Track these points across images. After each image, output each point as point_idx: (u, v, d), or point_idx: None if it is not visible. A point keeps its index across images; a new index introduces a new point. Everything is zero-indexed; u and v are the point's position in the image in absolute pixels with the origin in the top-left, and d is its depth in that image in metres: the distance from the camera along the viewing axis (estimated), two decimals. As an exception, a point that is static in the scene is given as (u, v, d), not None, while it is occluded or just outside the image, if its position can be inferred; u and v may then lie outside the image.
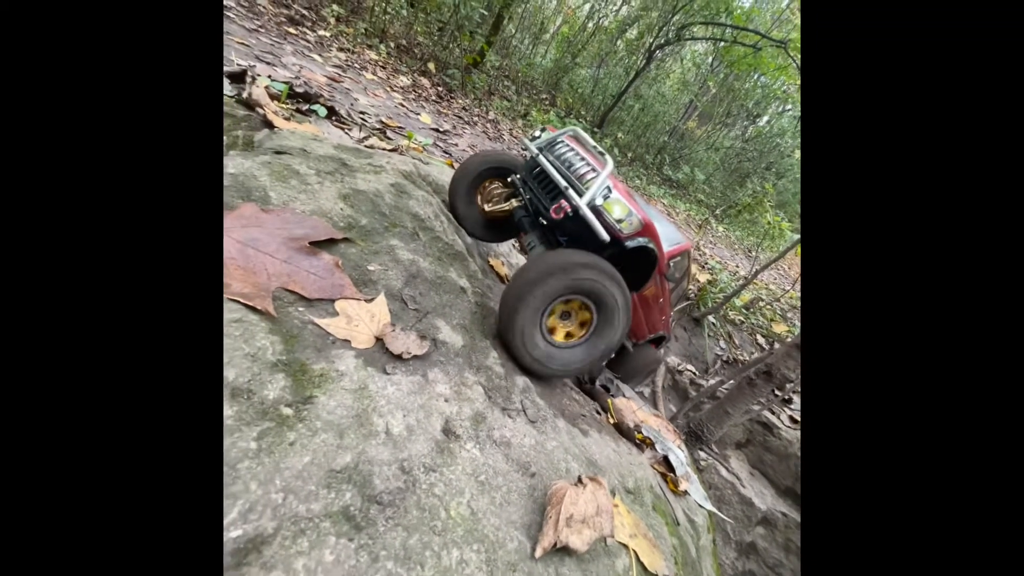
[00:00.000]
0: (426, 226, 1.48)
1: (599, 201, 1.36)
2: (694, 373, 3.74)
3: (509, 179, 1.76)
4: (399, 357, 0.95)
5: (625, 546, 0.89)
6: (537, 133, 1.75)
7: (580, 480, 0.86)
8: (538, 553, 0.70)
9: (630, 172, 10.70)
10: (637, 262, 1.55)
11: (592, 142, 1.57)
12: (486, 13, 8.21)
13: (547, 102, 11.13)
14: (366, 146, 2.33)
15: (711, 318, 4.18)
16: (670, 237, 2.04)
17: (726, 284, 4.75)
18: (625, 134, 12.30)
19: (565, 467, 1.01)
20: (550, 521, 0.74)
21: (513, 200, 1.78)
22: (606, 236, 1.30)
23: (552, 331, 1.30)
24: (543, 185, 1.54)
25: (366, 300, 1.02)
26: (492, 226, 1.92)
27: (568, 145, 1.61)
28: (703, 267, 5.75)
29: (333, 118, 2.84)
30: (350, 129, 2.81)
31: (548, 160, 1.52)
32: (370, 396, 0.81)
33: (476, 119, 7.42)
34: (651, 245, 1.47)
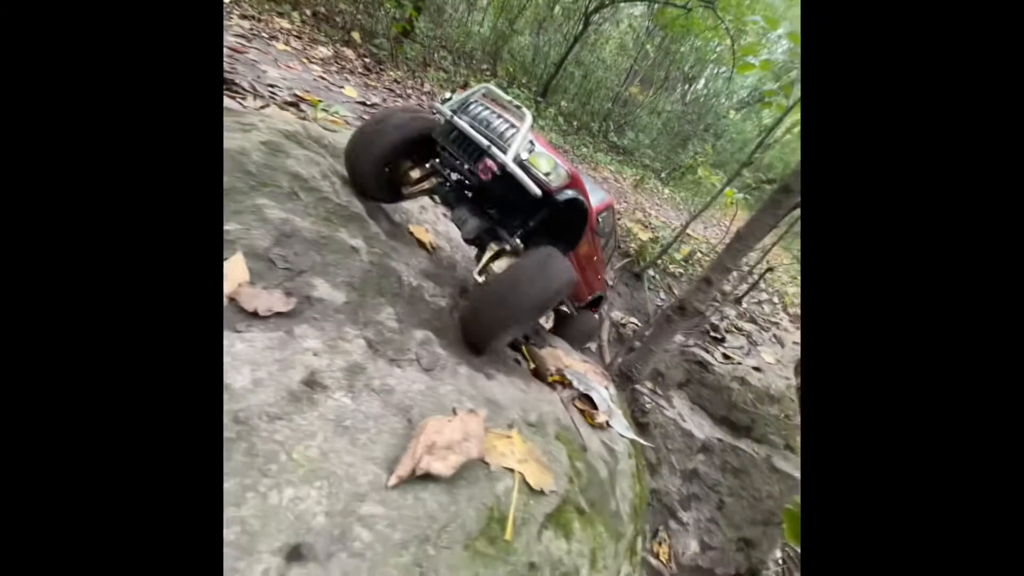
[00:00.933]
0: (310, 186, 1.37)
1: (524, 156, 1.29)
2: (637, 325, 3.93)
3: (428, 164, 1.62)
4: (255, 315, 0.88)
5: (511, 470, 0.91)
6: (448, 95, 1.58)
7: (454, 411, 0.86)
8: (392, 481, 0.69)
9: (577, 141, 10.71)
10: (570, 217, 1.52)
11: (507, 97, 1.46)
12: (407, -25, 7.63)
13: (488, 72, 10.74)
14: (268, 114, 2.11)
15: (651, 271, 4.37)
16: (595, 192, 2.01)
17: (667, 241, 4.97)
18: (569, 102, 12.22)
19: (457, 406, 1.01)
20: (409, 450, 0.73)
21: (432, 178, 1.66)
22: (537, 191, 1.25)
23: None
24: (464, 149, 1.42)
25: (217, 259, 0.93)
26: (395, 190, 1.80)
27: (482, 104, 1.48)
28: (647, 227, 5.96)
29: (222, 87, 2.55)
30: (243, 99, 2.54)
31: (465, 122, 1.40)
32: (209, 354, 0.74)
33: (410, 92, 7.01)
34: (580, 197, 1.43)
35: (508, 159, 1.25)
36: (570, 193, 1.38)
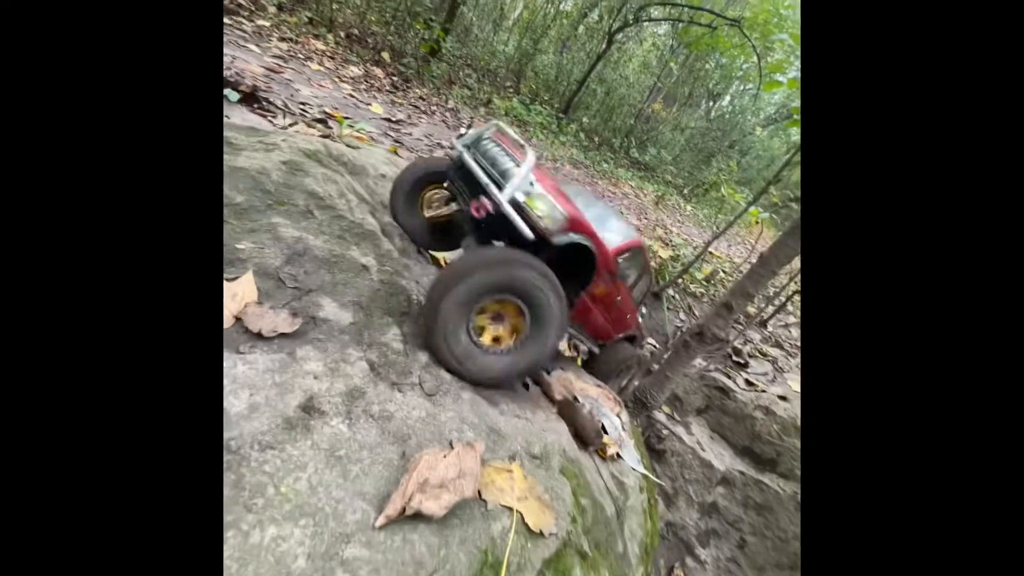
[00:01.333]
0: (326, 204, 1.40)
1: (520, 197, 1.26)
2: (655, 346, 3.80)
3: (445, 184, 1.68)
4: (259, 336, 0.88)
5: (510, 509, 0.86)
6: (463, 131, 1.65)
7: (451, 445, 0.82)
8: (379, 522, 0.65)
9: (598, 156, 10.72)
10: (575, 261, 1.49)
11: (515, 135, 1.48)
12: (437, -2, 7.97)
13: (511, 89, 10.98)
14: (294, 132, 2.20)
15: (670, 291, 4.24)
16: (617, 233, 1.95)
17: (688, 259, 4.83)
18: (591, 118, 12.30)
19: (457, 436, 0.97)
20: (400, 488, 0.70)
21: (453, 204, 1.69)
22: (530, 233, 1.21)
23: (480, 331, 1.23)
24: (467, 184, 1.45)
25: (228, 279, 0.95)
26: (438, 233, 1.84)
27: (493, 140, 1.50)
28: (667, 244, 5.83)
29: (255, 105, 2.69)
30: (274, 116, 2.67)
31: (472, 157, 1.42)
32: (210, 376, 0.74)
33: (434, 108, 7.23)
34: (584, 241, 1.39)
35: (503, 199, 1.22)
36: (570, 237, 1.33)
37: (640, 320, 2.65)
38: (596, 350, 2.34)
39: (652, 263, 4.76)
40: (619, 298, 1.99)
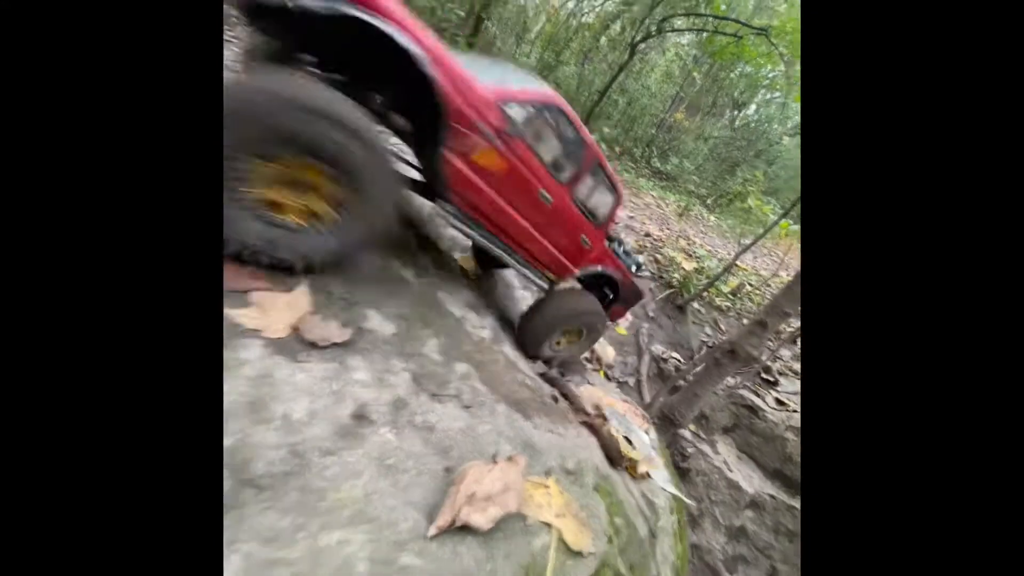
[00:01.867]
0: (368, 219, 1.47)
1: None
2: (679, 361, 3.72)
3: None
4: (314, 345, 0.93)
5: (548, 525, 0.87)
6: None
7: (494, 459, 0.84)
8: (431, 532, 0.68)
9: (619, 166, 10.68)
10: (413, 94, 1.05)
11: None
12: (462, 14, 8.21)
13: (532, 101, 11.12)
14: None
15: (695, 304, 4.15)
16: (517, 82, 1.38)
17: (712, 271, 4.73)
18: (612, 128, 12.30)
19: (495, 449, 0.99)
20: (449, 499, 0.73)
21: None
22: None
23: (280, 208, 0.94)
24: None
25: (284, 291, 1.01)
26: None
27: None
28: (690, 256, 5.73)
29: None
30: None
31: None
32: (273, 383, 0.80)
33: (458, 120, 7.39)
34: (379, 23, 0.92)
35: None
36: (358, 14, 0.90)
37: (620, 263, 1.93)
38: (544, 285, 1.74)
39: (676, 275, 4.68)
40: (542, 189, 1.38)
